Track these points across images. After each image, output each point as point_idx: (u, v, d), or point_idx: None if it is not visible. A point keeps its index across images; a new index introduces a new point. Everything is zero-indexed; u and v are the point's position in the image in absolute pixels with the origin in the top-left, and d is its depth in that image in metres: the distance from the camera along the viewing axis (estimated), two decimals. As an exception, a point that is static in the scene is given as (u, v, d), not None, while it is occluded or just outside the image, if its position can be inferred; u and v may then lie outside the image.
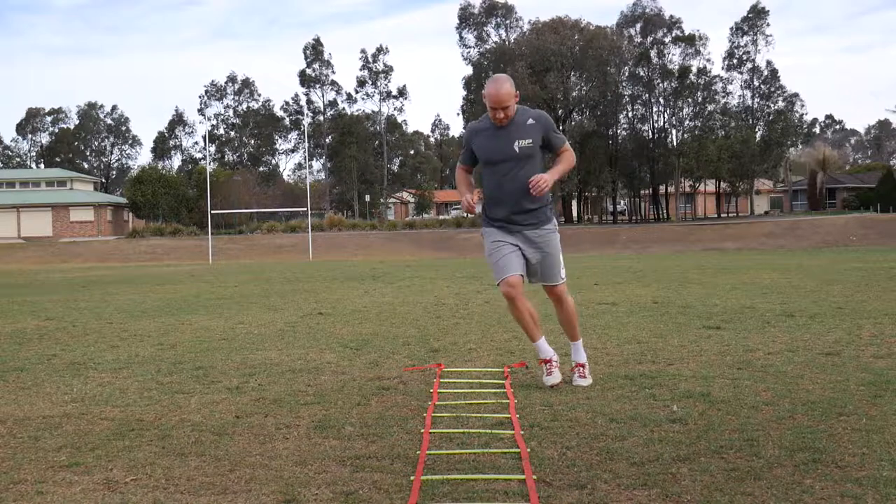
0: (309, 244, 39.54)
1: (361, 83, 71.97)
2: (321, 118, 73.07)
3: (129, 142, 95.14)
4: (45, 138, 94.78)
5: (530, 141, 4.92)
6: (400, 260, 32.23)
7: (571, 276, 16.09)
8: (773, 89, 66.53)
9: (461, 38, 67.43)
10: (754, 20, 66.32)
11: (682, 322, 7.95)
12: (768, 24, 66.42)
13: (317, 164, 77.85)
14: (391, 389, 5.13)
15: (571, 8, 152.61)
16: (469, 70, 66.18)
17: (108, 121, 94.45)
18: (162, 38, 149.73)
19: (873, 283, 12.22)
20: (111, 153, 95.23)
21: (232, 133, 77.02)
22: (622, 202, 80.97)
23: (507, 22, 66.97)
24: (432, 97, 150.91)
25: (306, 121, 71.23)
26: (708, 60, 65.84)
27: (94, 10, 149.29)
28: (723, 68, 66.66)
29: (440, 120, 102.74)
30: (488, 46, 65.79)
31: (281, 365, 6.10)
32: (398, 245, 45.01)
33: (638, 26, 65.88)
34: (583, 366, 5.18)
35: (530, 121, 4.96)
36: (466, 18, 66.85)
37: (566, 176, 5.19)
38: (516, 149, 4.91)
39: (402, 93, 72.69)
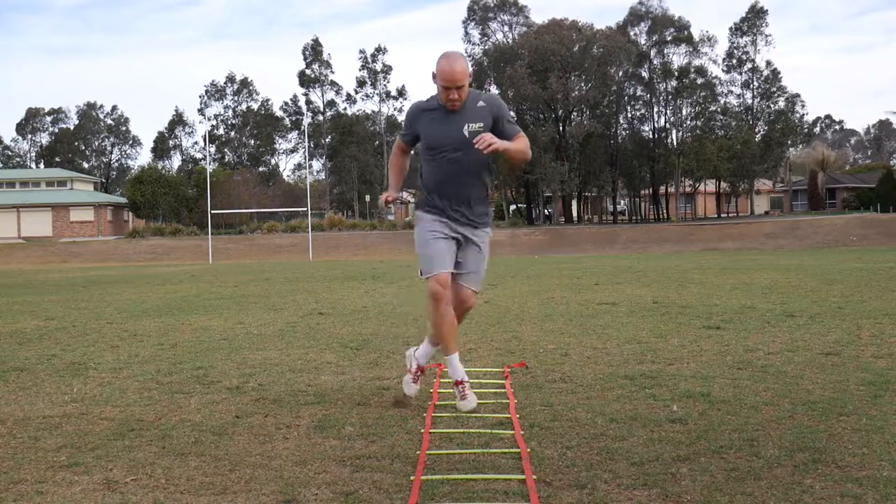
0: (309, 244, 39.54)
1: (361, 83, 72.00)
2: (321, 118, 73.08)
3: (129, 142, 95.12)
4: (44, 138, 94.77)
5: (480, 125, 4.42)
6: (400, 260, 32.22)
7: (571, 276, 16.17)
8: (773, 89, 66.51)
9: (466, 32, 67.41)
10: (753, 20, 66.31)
11: (682, 322, 7.95)
12: (767, 25, 66.44)
13: (317, 164, 77.90)
14: (391, 389, 5.12)
15: (575, 7, 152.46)
16: (469, 69, 66.10)
17: (108, 121, 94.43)
18: (161, 38, 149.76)
19: (873, 283, 12.22)
20: (111, 153, 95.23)
21: (232, 133, 77.00)
22: (622, 202, 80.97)
23: (517, 19, 66.90)
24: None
25: (306, 121, 71.24)
26: (713, 62, 65.91)
27: (94, 11, 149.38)
28: (723, 69, 66.69)
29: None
30: (492, 42, 65.71)
31: (281, 365, 6.10)
32: (398, 245, 45.01)
33: (642, 26, 65.82)
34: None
35: (480, 103, 4.49)
36: (475, 12, 66.74)
37: (517, 165, 4.86)
38: (465, 133, 4.40)
39: (401, 93, 72.72)
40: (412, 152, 4.89)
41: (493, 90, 65.46)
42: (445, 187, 4.51)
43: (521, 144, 4.46)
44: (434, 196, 4.56)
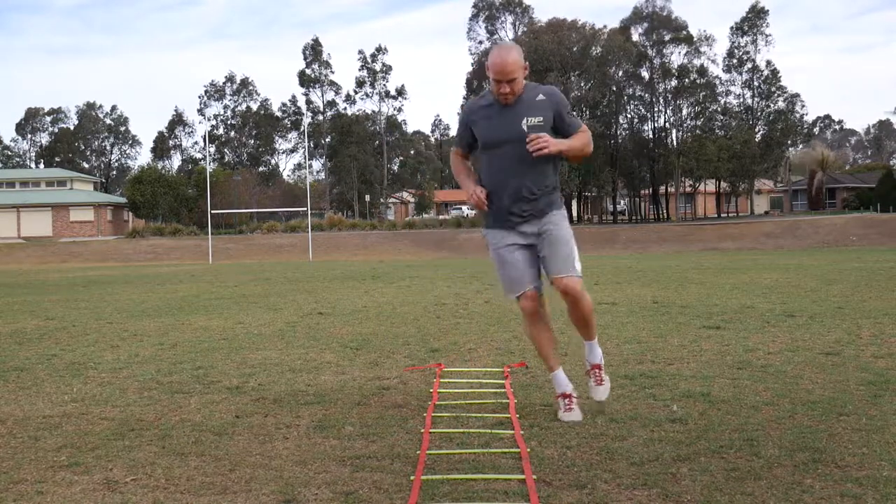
0: (309, 244, 39.52)
1: (360, 83, 71.98)
2: (321, 118, 73.09)
3: (129, 142, 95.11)
4: (44, 138, 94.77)
5: (541, 119, 4.20)
6: (400, 260, 32.22)
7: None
8: (773, 89, 66.50)
9: (471, 30, 67.41)
10: (754, 20, 66.29)
11: (682, 322, 7.95)
12: (767, 24, 66.42)
13: (317, 164, 77.86)
14: (391, 389, 5.13)
15: (575, 7, 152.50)
16: (471, 67, 66.20)
17: (108, 121, 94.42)
18: (161, 38, 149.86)
19: (873, 283, 12.22)
20: (111, 153, 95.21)
21: (231, 133, 77.01)
22: (622, 202, 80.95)
23: (522, 19, 66.94)
24: (432, 97, 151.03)
25: (306, 121, 71.18)
26: (712, 61, 65.87)
27: (93, 11, 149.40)
28: (723, 69, 66.66)
29: (440, 120, 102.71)
30: (496, 41, 65.73)
31: (281, 365, 6.10)
32: (398, 245, 45.01)
33: (642, 26, 65.77)
34: (599, 368, 4.48)
35: (540, 96, 4.25)
36: (481, 10, 66.72)
37: (577, 159, 4.35)
38: (524, 127, 4.18)
39: (401, 93, 72.70)
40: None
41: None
42: (507, 186, 4.26)
43: (581, 140, 4.28)
44: (496, 198, 4.30)
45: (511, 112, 4.22)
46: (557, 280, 4.25)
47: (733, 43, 66.65)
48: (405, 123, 76.65)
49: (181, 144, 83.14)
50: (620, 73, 64.88)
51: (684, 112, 66.29)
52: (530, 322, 4.36)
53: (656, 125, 67.49)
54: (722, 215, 68.30)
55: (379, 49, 71.79)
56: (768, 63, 66.59)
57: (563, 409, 4.29)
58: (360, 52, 72.98)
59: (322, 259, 36.12)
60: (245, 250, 44.76)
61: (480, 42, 66.84)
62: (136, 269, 29.51)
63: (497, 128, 4.25)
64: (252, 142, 76.63)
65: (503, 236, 4.33)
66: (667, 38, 64.66)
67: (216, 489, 3.29)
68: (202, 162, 73.23)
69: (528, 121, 4.20)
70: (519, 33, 66.28)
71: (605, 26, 65.34)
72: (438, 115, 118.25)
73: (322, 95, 72.99)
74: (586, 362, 4.56)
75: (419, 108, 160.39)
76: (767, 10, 66.27)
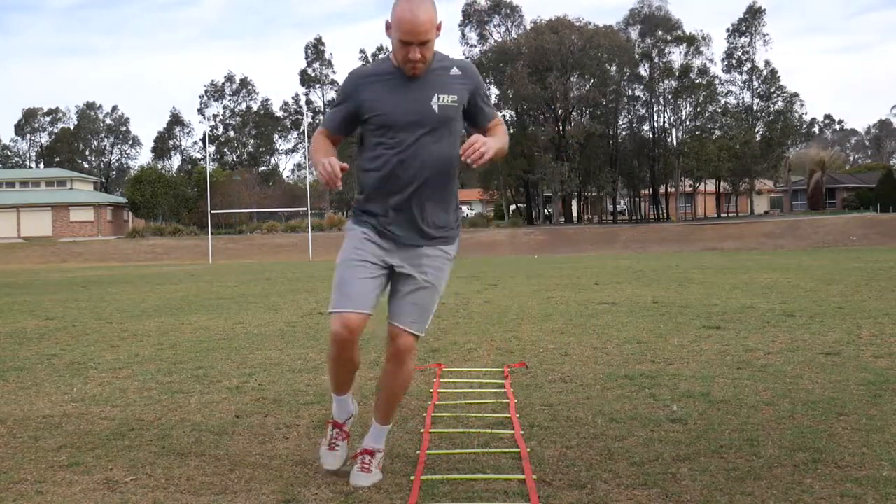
0: (309, 244, 39.53)
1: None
2: (321, 118, 73.12)
3: (129, 142, 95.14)
4: (44, 138, 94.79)
5: (454, 98, 3.21)
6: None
7: (571, 276, 16.17)
8: (772, 89, 66.54)
9: (463, 35, 67.43)
10: (751, 20, 66.32)
11: (682, 322, 7.95)
12: (765, 24, 66.46)
13: (316, 164, 77.85)
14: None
15: (572, 8, 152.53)
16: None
17: (108, 121, 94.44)
18: (160, 39, 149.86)
19: (873, 283, 12.22)
20: (111, 153, 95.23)
21: (231, 133, 77.03)
22: (622, 202, 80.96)
23: (512, 20, 66.98)
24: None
25: (306, 121, 71.17)
26: (710, 61, 65.93)
27: (91, 11, 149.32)
28: (723, 69, 66.71)
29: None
30: (491, 43, 65.70)
31: (281, 365, 6.10)
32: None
33: (638, 28, 65.83)
34: (371, 454, 3.37)
35: (455, 70, 3.25)
36: (470, 15, 66.79)
37: (499, 159, 3.39)
38: (434, 107, 3.18)
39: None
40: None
41: (493, 90, 65.32)
42: (396, 184, 3.23)
43: (504, 139, 3.30)
44: (376, 198, 3.30)
45: (418, 85, 3.19)
46: (397, 329, 3.36)
47: (731, 44, 66.69)
48: (405, 123, 76.53)
49: (181, 144, 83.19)
50: (614, 71, 64.74)
51: (684, 112, 66.31)
52: (337, 349, 3.33)
53: (656, 125, 67.55)
54: (722, 215, 68.30)
55: (380, 49, 71.86)
56: (767, 63, 66.66)
57: (328, 445, 3.45)
58: (362, 51, 73.15)
59: (322, 259, 36.12)
60: (245, 250, 44.77)
61: (472, 46, 66.86)
62: (136, 269, 29.51)
63: (398, 103, 3.18)
64: (252, 142, 76.63)
65: (365, 241, 3.35)
66: (668, 38, 64.67)
67: (216, 489, 3.29)
68: (202, 162, 73.27)
69: (438, 98, 3.19)
70: (513, 35, 66.28)
71: (605, 26, 65.34)
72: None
73: (323, 95, 73.05)
74: (361, 447, 3.43)
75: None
76: (764, 10, 66.39)
